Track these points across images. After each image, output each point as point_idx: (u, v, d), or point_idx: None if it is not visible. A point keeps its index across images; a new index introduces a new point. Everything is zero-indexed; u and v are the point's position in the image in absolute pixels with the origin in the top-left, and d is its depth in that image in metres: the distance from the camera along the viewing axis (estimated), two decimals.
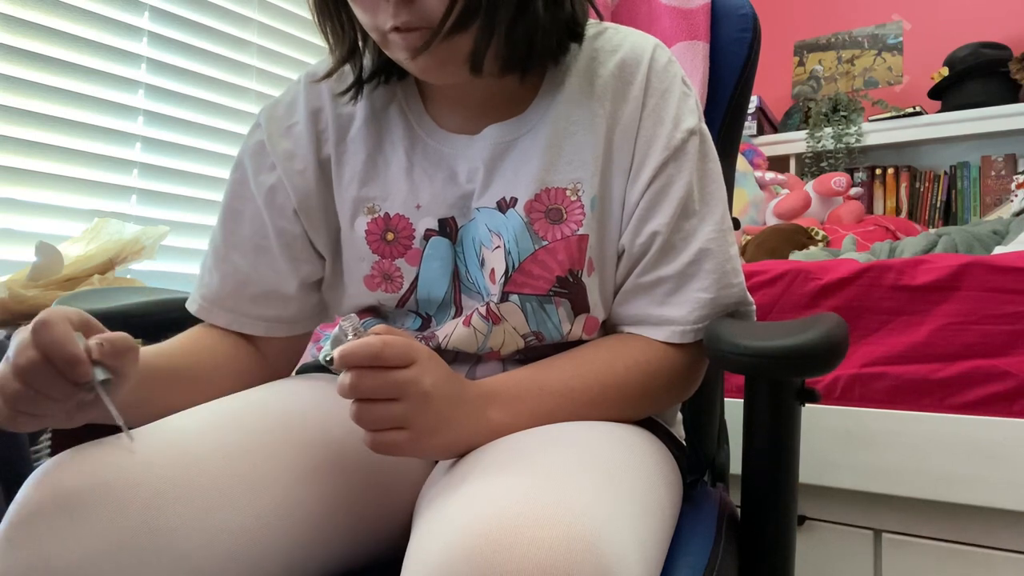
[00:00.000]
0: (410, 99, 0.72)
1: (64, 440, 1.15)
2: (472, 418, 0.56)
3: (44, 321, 0.48)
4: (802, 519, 1.29)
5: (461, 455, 0.56)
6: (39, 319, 0.48)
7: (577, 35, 0.67)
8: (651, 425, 0.68)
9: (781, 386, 0.61)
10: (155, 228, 1.39)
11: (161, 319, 0.80)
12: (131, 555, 0.47)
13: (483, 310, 0.66)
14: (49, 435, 1.13)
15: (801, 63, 2.78)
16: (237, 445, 0.55)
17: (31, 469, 1.02)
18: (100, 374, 0.50)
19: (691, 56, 0.91)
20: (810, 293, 1.31)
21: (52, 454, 1.14)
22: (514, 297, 0.65)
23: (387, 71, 0.70)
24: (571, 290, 0.66)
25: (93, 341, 0.49)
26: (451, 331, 0.67)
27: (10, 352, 0.49)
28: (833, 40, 2.74)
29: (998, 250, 1.38)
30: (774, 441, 0.62)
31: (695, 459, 0.80)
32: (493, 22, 0.59)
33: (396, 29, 0.58)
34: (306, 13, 1.96)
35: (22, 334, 0.49)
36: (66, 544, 0.46)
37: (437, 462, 0.65)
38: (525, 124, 0.68)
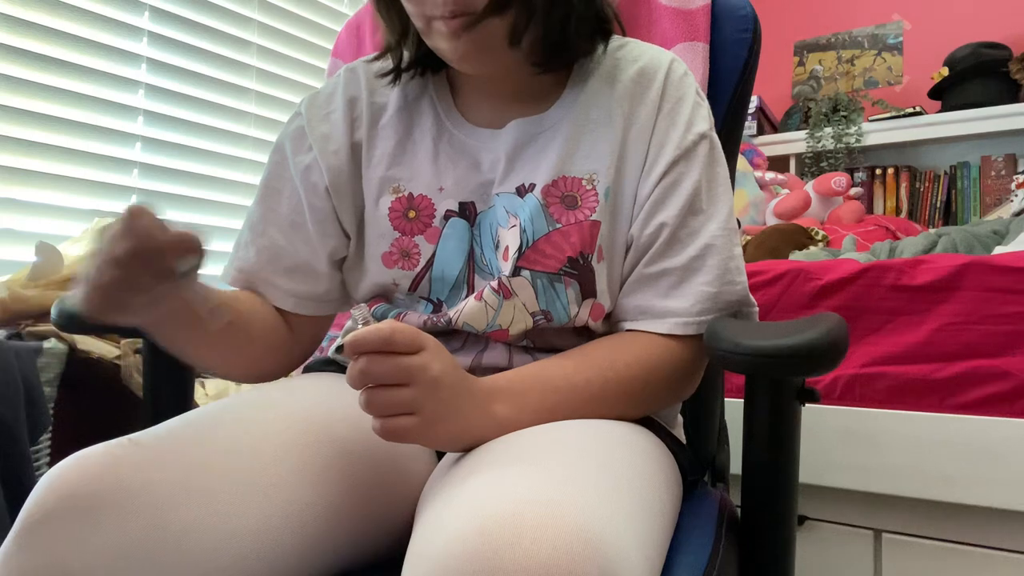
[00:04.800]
0: (440, 93, 0.76)
1: (64, 442, 1.16)
2: (478, 410, 0.57)
3: (137, 210, 0.51)
4: (802, 519, 1.29)
5: (466, 449, 0.56)
6: (131, 210, 0.51)
7: (605, 31, 0.72)
8: (652, 426, 0.69)
9: (781, 386, 0.61)
10: None
11: None
12: (144, 558, 0.47)
13: (495, 284, 0.68)
14: (49, 436, 1.13)
15: (801, 63, 2.78)
16: (245, 446, 0.55)
17: (31, 468, 1.02)
18: (182, 264, 0.54)
19: (691, 57, 0.91)
20: (810, 293, 1.31)
21: (52, 455, 1.14)
22: (525, 272, 0.68)
23: (424, 63, 0.75)
24: (581, 272, 0.68)
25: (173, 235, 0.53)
26: (463, 307, 0.69)
27: (102, 246, 0.52)
28: (833, 40, 2.74)
29: (998, 250, 1.38)
30: (774, 441, 0.62)
31: (695, 459, 0.80)
32: (532, 5, 0.64)
33: (440, 16, 0.63)
34: (306, 13, 1.97)
35: (111, 230, 0.52)
36: (79, 547, 0.46)
37: (440, 460, 0.65)
38: (547, 121, 0.72)
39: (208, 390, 1.28)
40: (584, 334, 0.72)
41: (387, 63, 0.75)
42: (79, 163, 1.48)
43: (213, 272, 0.76)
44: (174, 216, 1.60)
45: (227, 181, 1.76)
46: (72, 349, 1.16)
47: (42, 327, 1.16)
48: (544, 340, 0.71)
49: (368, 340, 0.51)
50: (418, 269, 0.72)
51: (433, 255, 0.71)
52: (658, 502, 0.54)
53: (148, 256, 0.51)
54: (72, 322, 0.77)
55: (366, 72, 0.77)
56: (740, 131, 0.92)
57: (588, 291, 0.69)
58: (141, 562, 0.47)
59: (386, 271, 0.72)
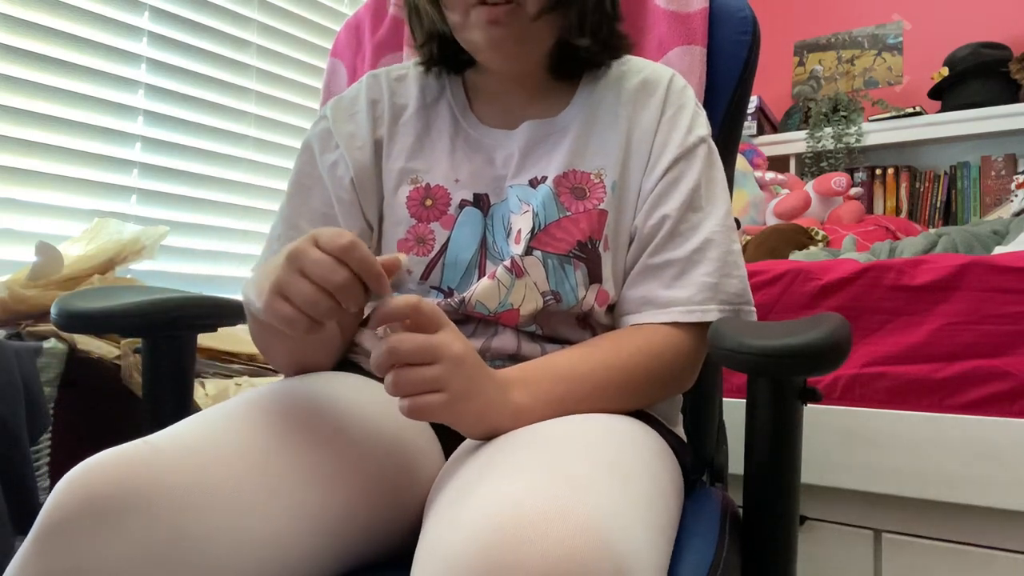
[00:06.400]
0: (457, 97, 0.82)
1: (64, 442, 1.16)
2: (497, 394, 0.58)
3: (353, 243, 0.52)
4: (802, 519, 1.29)
5: (484, 435, 0.57)
6: (348, 242, 0.51)
7: (622, 46, 0.80)
8: (654, 423, 0.70)
9: (783, 385, 0.61)
10: (155, 228, 1.39)
11: (161, 319, 0.80)
12: (162, 561, 0.47)
13: (508, 263, 0.71)
14: (49, 436, 1.13)
15: (801, 63, 2.78)
16: (259, 447, 0.55)
17: (31, 468, 1.02)
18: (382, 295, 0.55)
19: (688, 60, 0.91)
20: (810, 293, 1.31)
21: (52, 455, 1.14)
22: (537, 252, 0.71)
23: (446, 64, 0.81)
24: (589, 256, 0.72)
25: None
26: (476, 287, 0.71)
27: (316, 272, 0.51)
28: (833, 40, 2.74)
29: (998, 250, 1.38)
30: (776, 440, 0.62)
31: (695, 459, 0.80)
32: (577, 8, 0.71)
33: (482, 2, 0.68)
34: (306, 13, 1.97)
35: (335, 248, 0.52)
36: (99, 551, 0.46)
37: (448, 459, 0.65)
38: (559, 123, 0.78)
39: (208, 390, 1.28)
40: (589, 326, 0.74)
41: (404, 70, 0.83)
42: (79, 163, 1.48)
43: (242, 273, 0.75)
44: (174, 216, 1.60)
45: (227, 181, 1.76)
46: (72, 349, 1.16)
47: (42, 327, 1.16)
48: (551, 327, 0.73)
49: (397, 307, 0.53)
50: (432, 255, 0.74)
51: (447, 241, 0.74)
52: (664, 500, 0.55)
53: (364, 282, 0.53)
54: (72, 322, 0.77)
55: (387, 77, 0.83)
56: (739, 133, 0.92)
57: (595, 276, 0.72)
58: (160, 565, 0.47)
59: None
